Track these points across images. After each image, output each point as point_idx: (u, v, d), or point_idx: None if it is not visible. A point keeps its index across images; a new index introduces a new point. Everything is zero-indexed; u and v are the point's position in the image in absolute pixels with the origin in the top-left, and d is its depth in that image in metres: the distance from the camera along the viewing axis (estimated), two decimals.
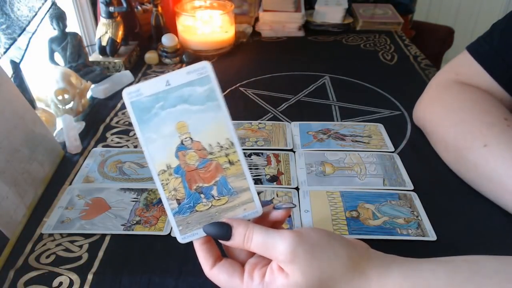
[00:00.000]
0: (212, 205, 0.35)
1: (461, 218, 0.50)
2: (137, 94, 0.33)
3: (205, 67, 0.33)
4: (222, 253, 0.37)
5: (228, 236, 0.34)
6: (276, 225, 0.37)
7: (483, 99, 0.56)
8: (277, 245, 0.32)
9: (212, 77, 0.34)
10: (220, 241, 0.35)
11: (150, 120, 0.33)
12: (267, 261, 0.35)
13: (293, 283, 0.32)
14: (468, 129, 0.54)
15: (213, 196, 0.35)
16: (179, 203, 0.35)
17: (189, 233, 0.35)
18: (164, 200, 0.35)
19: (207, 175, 0.35)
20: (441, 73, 0.64)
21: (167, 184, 0.35)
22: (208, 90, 0.34)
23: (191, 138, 0.34)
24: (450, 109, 0.58)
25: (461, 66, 0.61)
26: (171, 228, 0.48)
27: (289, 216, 0.48)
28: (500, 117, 0.52)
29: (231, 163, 0.35)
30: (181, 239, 0.36)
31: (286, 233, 0.33)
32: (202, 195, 0.35)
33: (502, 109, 0.54)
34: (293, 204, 0.37)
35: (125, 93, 0.33)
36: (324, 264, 0.32)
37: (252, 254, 0.37)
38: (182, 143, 0.34)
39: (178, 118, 0.34)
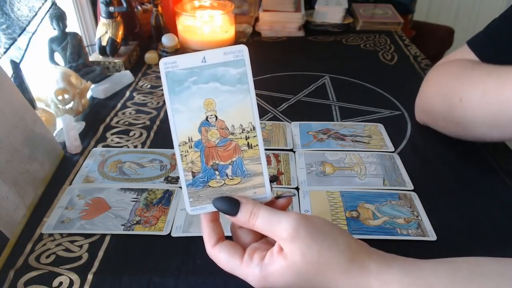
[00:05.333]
0: (224, 183, 0.37)
1: (461, 218, 0.50)
2: (173, 66, 0.34)
3: (242, 51, 0.34)
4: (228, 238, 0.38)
5: (235, 211, 0.35)
6: None
7: (459, 63, 0.58)
8: (281, 222, 0.33)
9: (247, 61, 0.35)
10: (227, 216, 0.36)
11: (180, 92, 0.35)
12: (269, 247, 0.35)
13: (291, 263, 0.33)
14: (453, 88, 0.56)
15: (227, 175, 0.36)
16: (193, 176, 0.36)
17: (199, 206, 0.37)
18: (180, 171, 0.36)
19: (225, 153, 0.36)
20: (436, 65, 0.65)
21: (185, 156, 0.36)
22: (240, 73, 0.35)
23: (216, 116, 0.35)
24: (440, 88, 0.60)
25: (455, 53, 0.62)
26: (171, 227, 0.48)
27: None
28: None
29: (249, 146, 0.36)
30: (190, 210, 0.37)
31: (292, 213, 0.34)
32: (216, 172, 0.36)
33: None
34: (293, 193, 0.38)
35: (161, 63, 0.34)
36: (323, 250, 0.33)
37: (256, 240, 0.38)
38: (207, 119, 0.35)
39: (207, 95, 0.35)
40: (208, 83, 0.35)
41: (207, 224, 0.37)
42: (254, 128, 0.36)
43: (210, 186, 0.36)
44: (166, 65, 0.34)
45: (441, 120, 0.61)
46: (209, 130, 0.36)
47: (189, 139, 0.36)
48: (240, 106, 0.35)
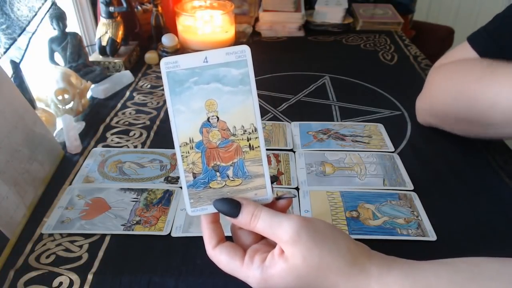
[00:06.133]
0: (225, 184, 0.36)
1: (461, 218, 0.50)
2: (174, 66, 0.34)
3: (244, 51, 0.34)
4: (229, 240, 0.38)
5: (236, 213, 0.35)
6: None
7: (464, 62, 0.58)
8: (283, 224, 0.33)
9: (249, 62, 0.34)
10: (228, 218, 0.36)
11: (182, 93, 0.34)
12: (269, 249, 0.35)
13: (292, 266, 0.33)
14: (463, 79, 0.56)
15: (228, 176, 0.36)
16: (194, 177, 0.36)
17: (199, 207, 0.36)
18: (181, 172, 0.36)
19: (226, 155, 0.36)
20: (437, 65, 0.65)
21: (186, 156, 0.36)
22: (242, 73, 0.34)
23: (217, 117, 0.35)
24: (456, 91, 0.59)
25: (456, 52, 0.62)
26: (171, 228, 0.48)
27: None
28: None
29: (251, 147, 0.36)
30: (191, 211, 0.37)
31: (293, 215, 0.34)
32: (217, 173, 0.36)
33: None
34: (293, 194, 0.38)
35: (162, 63, 0.34)
36: (324, 253, 0.32)
37: (256, 241, 0.38)
38: (208, 120, 0.35)
39: (209, 95, 0.35)
40: (209, 84, 0.34)
41: (207, 226, 0.36)
42: (255, 129, 0.35)
43: (211, 187, 0.36)
44: (167, 65, 0.34)
45: (465, 124, 0.59)
46: (210, 131, 0.35)
47: (190, 140, 0.35)
48: (242, 107, 0.35)
